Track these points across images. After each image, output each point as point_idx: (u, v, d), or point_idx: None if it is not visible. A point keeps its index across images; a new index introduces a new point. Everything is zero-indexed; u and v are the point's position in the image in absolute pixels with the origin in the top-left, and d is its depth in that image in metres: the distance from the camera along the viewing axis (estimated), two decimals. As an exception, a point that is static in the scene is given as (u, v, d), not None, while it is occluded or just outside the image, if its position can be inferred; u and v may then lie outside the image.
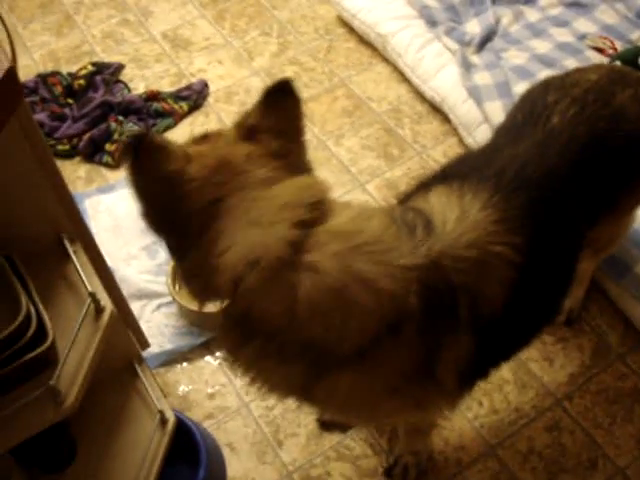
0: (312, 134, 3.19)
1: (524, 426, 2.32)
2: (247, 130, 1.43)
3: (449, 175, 1.69)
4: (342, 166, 3.07)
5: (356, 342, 1.36)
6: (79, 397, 1.55)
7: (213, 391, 2.45)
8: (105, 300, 1.66)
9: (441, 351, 1.49)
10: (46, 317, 1.53)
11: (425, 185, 1.70)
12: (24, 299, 1.51)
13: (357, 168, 3.05)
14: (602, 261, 2.49)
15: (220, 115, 3.33)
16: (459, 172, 1.68)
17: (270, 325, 1.34)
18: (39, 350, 1.49)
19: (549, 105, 1.81)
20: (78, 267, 1.66)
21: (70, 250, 1.69)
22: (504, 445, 2.28)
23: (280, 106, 1.44)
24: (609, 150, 1.78)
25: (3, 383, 1.50)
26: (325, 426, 2.32)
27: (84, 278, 1.65)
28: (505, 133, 1.88)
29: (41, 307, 1.54)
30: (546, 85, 1.93)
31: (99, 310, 1.63)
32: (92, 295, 1.61)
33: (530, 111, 1.84)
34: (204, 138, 1.45)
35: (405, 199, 1.72)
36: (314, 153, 3.12)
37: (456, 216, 1.50)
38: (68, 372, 1.56)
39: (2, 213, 1.60)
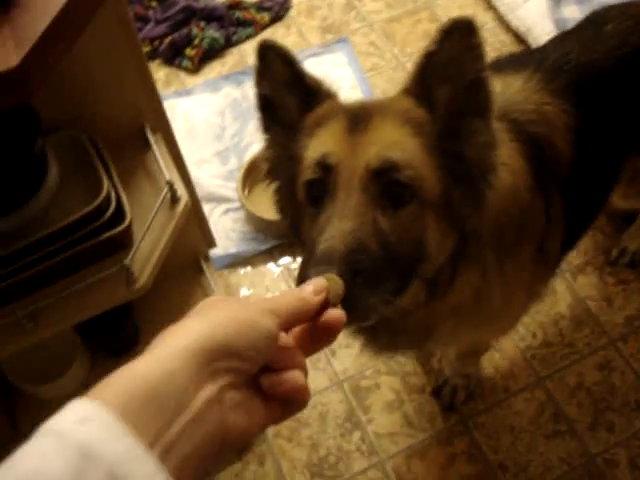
0: (391, 54, 3.17)
1: (575, 362, 2.34)
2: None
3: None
4: (419, 90, 3.04)
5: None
6: (150, 280, 1.62)
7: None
8: (181, 190, 1.71)
9: (550, 210, 1.54)
10: (125, 200, 1.59)
11: None
12: (105, 180, 1.57)
13: (434, 92, 3.01)
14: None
15: (301, 29, 3.32)
16: (497, 65, 1.70)
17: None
18: (116, 230, 1.56)
19: (606, 17, 1.81)
20: (158, 156, 1.72)
21: (151, 139, 1.74)
22: (553, 378, 2.31)
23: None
24: None
25: (80, 259, 1.58)
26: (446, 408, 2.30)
27: (163, 167, 1.70)
28: (552, 39, 1.89)
29: (121, 190, 1.60)
30: (609, 8, 1.91)
31: (175, 199, 1.69)
32: (170, 184, 1.66)
33: (585, 20, 1.86)
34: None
35: None
36: (392, 74, 3.11)
37: (500, 87, 1.53)
38: (142, 255, 1.62)
39: (91, 95, 1.66)
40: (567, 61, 1.67)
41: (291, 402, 0.73)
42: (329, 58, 3.17)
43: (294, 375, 0.71)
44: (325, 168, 1.20)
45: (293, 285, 2.52)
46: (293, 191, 1.32)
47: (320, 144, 1.25)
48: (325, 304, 0.79)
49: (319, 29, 3.30)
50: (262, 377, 0.70)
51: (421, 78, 1.24)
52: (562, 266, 2.42)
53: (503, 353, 2.34)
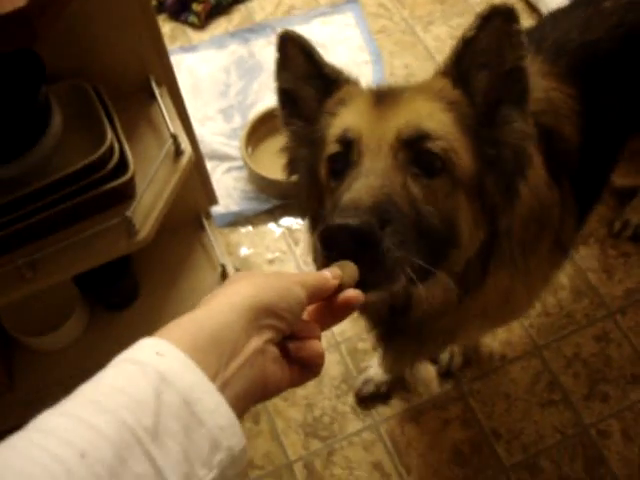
0: (400, 17, 3.13)
1: (573, 332, 2.34)
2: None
3: None
4: (427, 53, 3.01)
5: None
6: (152, 232, 1.62)
7: (273, 257, 2.51)
8: (185, 144, 1.70)
9: (564, 201, 1.53)
10: (128, 151, 1.58)
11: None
12: (109, 131, 1.56)
13: (442, 57, 2.95)
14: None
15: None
16: None
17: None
18: (119, 181, 1.55)
19: None
20: (163, 109, 1.70)
21: (156, 91, 1.72)
22: (550, 347, 2.31)
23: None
24: None
25: (82, 209, 1.57)
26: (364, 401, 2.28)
27: (168, 120, 1.68)
28: (548, 16, 1.86)
29: (124, 141, 1.59)
30: None
31: (179, 152, 1.68)
32: (174, 136, 1.65)
33: None
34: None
35: None
36: (401, 37, 3.07)
37: None
38: (144, 207, 1.61)
39: (96, 45, 1.64)
40: (568, 40, 1.64)
41: (309, 367, 0.82)
42: (337, 19, 3.13)
43: (315, 343, 0.82)
44: (348, 140, 1.17)
45: (294, 246, 2.52)
46: (315, 179, 1.29)
47: (343, 120, 1.23)
48: (339, 289, 0.86)
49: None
50: (290, 343, 0.80)
51: (458, 63, 1.22)
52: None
53: (501, 321, 2.34)
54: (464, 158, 1.18)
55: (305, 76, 1.32)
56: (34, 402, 1.91)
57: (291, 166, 1.41)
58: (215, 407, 0.66)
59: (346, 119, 1.22)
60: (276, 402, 2.23)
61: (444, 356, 2.24)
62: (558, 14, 1.83)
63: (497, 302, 1.47)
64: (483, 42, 1.18)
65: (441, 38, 3.06)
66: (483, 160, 1.20)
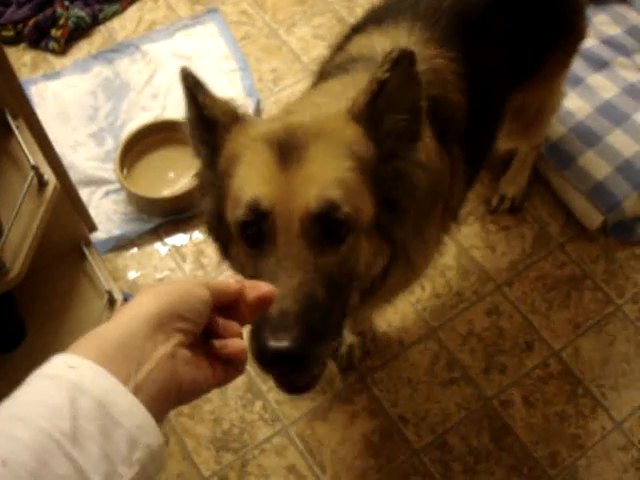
0: (263, 22, 3.14)
1: (464, 310, 2.40)
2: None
3: (361, 26, 1.74)
4: (293, 55, 3.04)
5: None
6: (24, 268, 1.57)
7: (162, 276, 2.48)
8: (49, 174, 1.66)
9: (452, 167, 1.58)
10: (-12, 188, 1.53)
11: (336, 50, 1.76)
12: (-35, 170, 1.51)
13: (308, 57, 3.01)
14: (546, 151, 2.54)
15: (169, 2, 3.24)
16: (371, 19, 1.74)
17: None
18: (-20, 221, 1.50)
19: None
20: (21, 141, 1.65)
21: (13, 124, 1.68)
22: (444, 328, 2.37)
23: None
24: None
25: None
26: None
27: (27, 152, 1.64)
28: None
29: (-17, 179, 1.54)
30: None
31: (43, 183, 1.63)
32: (35, 168, 1.61)
33: None
34: None
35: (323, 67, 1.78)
36: (265, 41, 3.08)
37: (387, 43, 1.56)
38: (12, 244, 1.57)
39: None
40: (439, 3, 1.68)
41: (235, 364, 0.86)
42: (200, 30, 3.11)
43: (237, 340, 0.85)
44: (259, 212, 1.19)
45: (182, 262, 2.50)
46: (221, 214, 1.31)
47: (249, 182, 1.23)
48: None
49: (188, 1, 3.24)
50: (214, 341, 0.84)
51: (373, 104, 1.24)
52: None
53: (395, 308, 2.37)
54: (366, 209, 1.24)
55: (194, 118, 1.33)
56: None
57: (201, 192, 1.41)
58: (130, 408, 0.70)
59: (252, 183, 1.22)
60: (183, 421, 2.21)
61: (343, 350, 2.27)
62: None
63: (398, 280, 1.53)
64: (393, 84, 1.22)
65: (305, 39, 3.09)
66: (380, 198, 1.26)
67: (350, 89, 1.36)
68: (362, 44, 1.63)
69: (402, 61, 1.20)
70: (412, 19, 1.63)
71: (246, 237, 1.24)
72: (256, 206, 1.19)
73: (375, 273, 1.34)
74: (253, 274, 1.23)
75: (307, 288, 1.14)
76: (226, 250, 1.39)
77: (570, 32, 2.01)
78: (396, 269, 1.41)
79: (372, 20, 1.72)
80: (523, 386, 2.27)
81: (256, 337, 1.13)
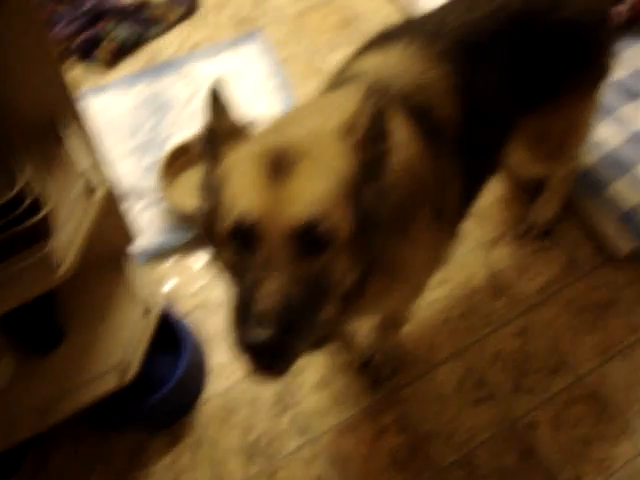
0: (305, 45, 3.23)
1: (493, 331, 2.43)
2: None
3: (370, 45, 1.81)
4: (331, 78, 3.11)
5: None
6: (72, 268, 1.63)
7: (196, 288, 2.54)
8: (99, 180, 1.72)
9: (442, 177, 1.64)
10: (42, 191, 1.60)
11: (347, 65, 1.82)
12: (19, 173, 1.58)
13: (346, 81, 3.08)
14: (578, 180, 2.58)
15: (212, 24, 3.34)
16: (379, 39, 1.81)
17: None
18: (34, 220, 1.57)
19: None
20: (73, 148, 1.72)
21: (66, 133, 1.75)
22: (473, 347, 2.40)
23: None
24: (545, 28, 1.84)
25: (1, 249, 1.58)
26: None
27: (79, 159, 1.71)
28: (442, 6, 1.95)
29: (36, 181, 1.61)
30: None
31: (93, 189, 1.70)
32: (86, 174, 1.67)
33: None
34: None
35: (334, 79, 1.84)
36: (306, 64, 3.16)
37: (381, 61, 1.66)
38: (62, 243, 1.64)
39: (3, 91, 1.66)
40: (444, 24, 1.75)
41: None
42: (243, 51, 3.20)
43: None
44: (246, 224, 1.30)
45: (219, 275, 2.55)
46: (215, 219, 1.40)
47: (239, 195, 1.33)
48: None
49: (230, 23, 3.33)
50: None
51: (373, 130, 1.34)
52: (475, 241, 2.53)
53: (424, 327, 2.42)
54: (345, 225, 1.32)
55: (205, 128, 1.44)
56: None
57: (202, 195, 1.49)
58: None
59: (242, 199, 1.32)
60: (213, 429, 2.26)
61: (372, 366, 2.31)
62: (444, 4, 1.91)
63: (379, 288, 1.58)
64: (376, 123, 1.34)
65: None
66: (358, 214, 1.34)
67: (335, 107, 1.48)
68: (361, 62, 1.73)
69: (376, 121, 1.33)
70: (413, 37, 1.71)
71: (234, 244, 1.35)
72: (243, 218, 1.30)
73: (351, 280, 1.41)
74: (239, 276, 1.36)
75: (286, 292, 1.26)
76: (218, 252, 1.47)
77: (587, 66, 2.01)
78: (375, 277, 1.48)
79: (379, 39, 1.80)
80: (549, 408, 2.29)
81: (237, 329, 1.31)
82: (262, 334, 1.24)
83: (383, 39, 1.77)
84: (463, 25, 1.75)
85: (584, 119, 2.23)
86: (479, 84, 1.73)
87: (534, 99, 1.94)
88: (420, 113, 1.58)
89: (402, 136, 1.50)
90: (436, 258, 1.84)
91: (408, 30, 1.76)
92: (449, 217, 1.74)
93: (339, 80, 1.73)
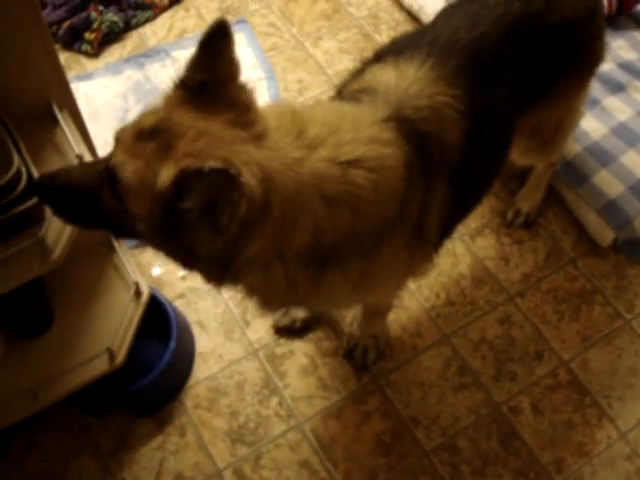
0: (290, 34, 3.24)
1: (477, 318, 2.48)
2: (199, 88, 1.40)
3: (382, 55, 1.80)
4: (319, 67, 3.13)
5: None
6: (64, 252, 1.65)
7: (185, 273, 2.55)
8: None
9: (430, 200, 1.64)
10: (36, 174, 1.61)
11: (357, 73, 1.82)
12: (15, 155, 1.59)
13: (333, 70, 3.10)
14: (561, 169, 2.62)
15: (200, 11, 3.34)
16: (392, 50, 1.80)
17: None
18: (28, 204, 1.58)
19: None
20: (67, 131, 1.74)
21: (59, 115, 1.76)
22: (457, 334, 2.44)
23: (222, 52, 1.41)
24: (543, 28, 1.87)
25: (-6, 233, 1.59)
26: (280, 331, 2.46)
27: (72, 142, 1.72)
28: (441, 12, 1.98)
29: (31, 164, 1.62)
30: None
31: (85, 172, 1.71)
32: (79, 157, 1.68)
33: None
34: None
35: (342, 88, 1.84)
36: (292, 53, 3.18)
37: (395, 78, 1.64)
38: (55, 228, 1.64)
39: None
40: (457, 39, 1.74)
41: None
42: (229, 39, 3.20)
43: None
44: None
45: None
46: None
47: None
48: None
49: (218, 11, 3.34)
50: None
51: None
52: (460, 230, 2.56)
53: (409, 313, 2.46)
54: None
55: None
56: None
57: None
58: None
59: None
60: (200, 413, 2.28)
61: (358, 352, 2.34)
62: (450, 10, 1.93)
63: (337, 290, 1.60)
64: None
65: (330, 52, 3.18)
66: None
67: (347, 120, 1.48)
68: (374, 75, 1.70)
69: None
70: (426, 55, 1.69)
71: None
72: None
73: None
74: None
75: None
76: None
77: (584, 56, 2.06)
78: (334, 280, 1.53)
79: (392, 50, 1.79)
80: (532, 394, 2.34)
81: None
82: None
83: (398, 51, 1.75)
84: (470, 42, 1.74)
85: (577, 108, 2.28)
86: (486, 107, 1.74)
87: (533, 99, 1.97)
88: (424, 141, 1.58)
89: (390, 160, 1.49)
90: (408, 272, 1.87)
91: (421, 45, 1.74)
92: (431, 237, 1.73)
93: (349, 91, 1.73)
